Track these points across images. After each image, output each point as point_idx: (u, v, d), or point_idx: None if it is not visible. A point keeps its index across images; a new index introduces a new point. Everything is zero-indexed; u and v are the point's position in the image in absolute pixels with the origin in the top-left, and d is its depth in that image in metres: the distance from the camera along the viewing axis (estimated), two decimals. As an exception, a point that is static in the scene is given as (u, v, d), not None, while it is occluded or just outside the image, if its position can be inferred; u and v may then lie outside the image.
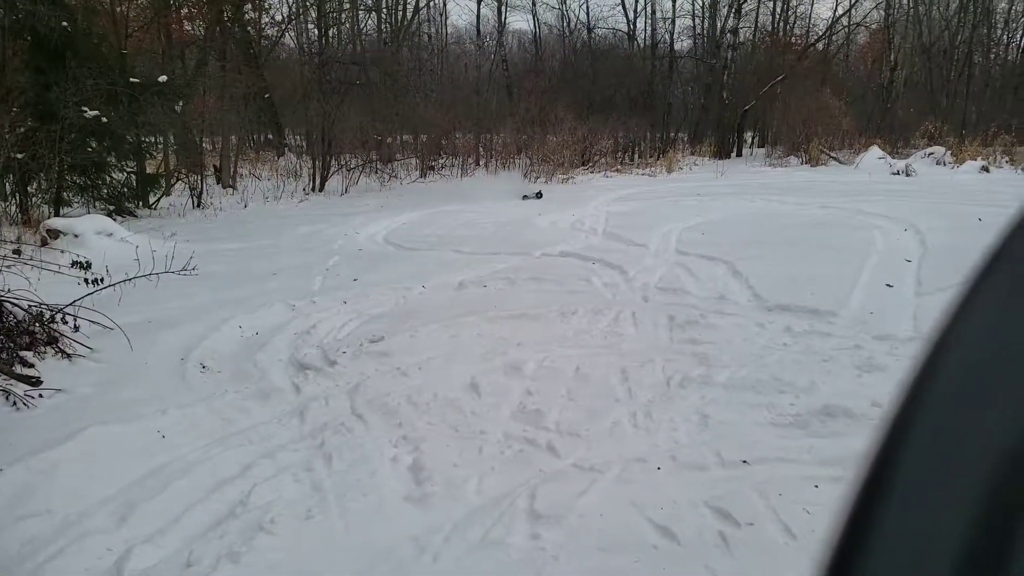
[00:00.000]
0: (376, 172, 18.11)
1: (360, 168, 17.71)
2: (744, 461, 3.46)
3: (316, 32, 22.69)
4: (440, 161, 20.14)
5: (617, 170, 20.20)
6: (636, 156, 22.99)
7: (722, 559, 2.72)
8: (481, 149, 20.66)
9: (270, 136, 24.37)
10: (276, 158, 21.16)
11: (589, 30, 30.76)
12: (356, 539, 2.98)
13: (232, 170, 16.80)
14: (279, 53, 24.15)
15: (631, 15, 30.26)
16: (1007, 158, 19.61)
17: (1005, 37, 31.32)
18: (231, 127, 16.47)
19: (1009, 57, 31.37)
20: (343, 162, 17.54)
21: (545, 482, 3.35)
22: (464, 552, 2.87)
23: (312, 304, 6.48)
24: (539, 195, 14.67)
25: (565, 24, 31.31)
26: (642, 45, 29.77)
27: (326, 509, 3.19)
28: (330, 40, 21.79)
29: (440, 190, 16.32)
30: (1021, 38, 30.83)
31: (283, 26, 22.96)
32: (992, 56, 31.07)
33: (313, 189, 16.57)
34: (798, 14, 31.38)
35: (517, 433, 3.88)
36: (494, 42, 30.65)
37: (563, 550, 2.82)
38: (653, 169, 20.35)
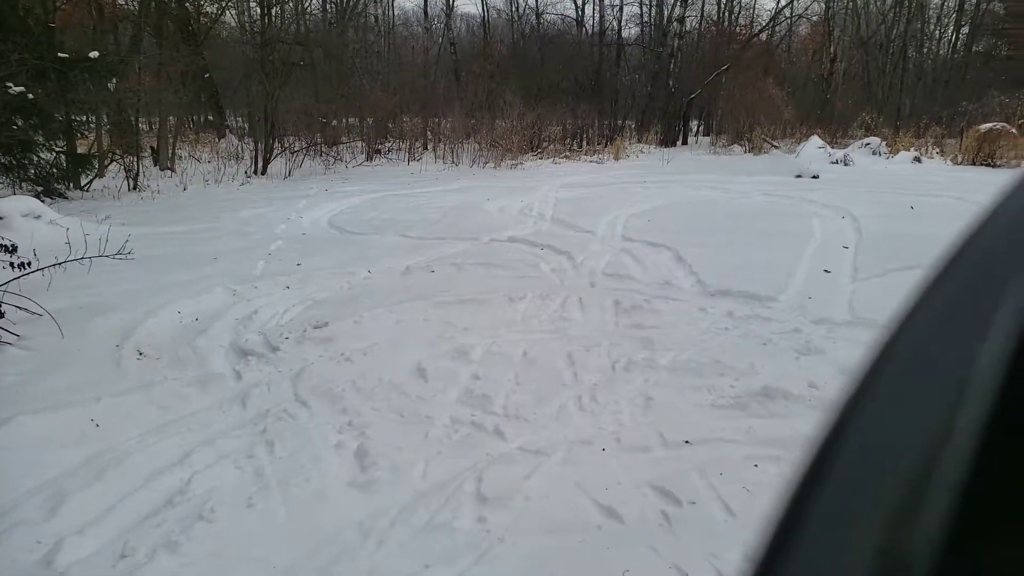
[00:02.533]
0: (321, 155, 17.78)
1: (304, 151, 17.36)
2: (686, 442, 3.53)
3: (259, 11, 22.09)
4: (387, 145, 19.90)
5: (566, 156, 20.28)
6: (584, 143, 23.11)
7: (665, 538, 2.77)
8: (429, 133, 20.48)
9: (211, 117, 23.67)
10: (217, 140, 20.59)
11: (538, 15, 30.73)
12: (299, 526, 2.93)
13: (170, 151, 16.26)
14: (220, 31, 23.42)
15: (579, 1, 30.36)
16: (938, 149, 20.35)
17: (937, 32, 32.47)
18: (169, 107, 15.93)
19: (940, 52, 32.54)
20: (286, 145, 17.17)
21: (492, 465, 3.36)
22: (409, 537, 2.85)
23: (254, 289, 6.34)
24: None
25: (514, 9, 31.22)
26: (590, 32, 29.89)
27: (268, 496, 3.14)
28: (273, 19, 21.22)
29: (386, 174, 16.14)
30: (952, 33, 32.00)
31: (223, 3, 22.27)
32: (925, 50, 32.19)
33: (255, 172, 16.18)
34: (743, 4, 31.97)
35: (464, 417, 3.87)
36: (442, 25, 30.34)
37: (509, 532, 2.83)
38: (601, 156, 20.48)
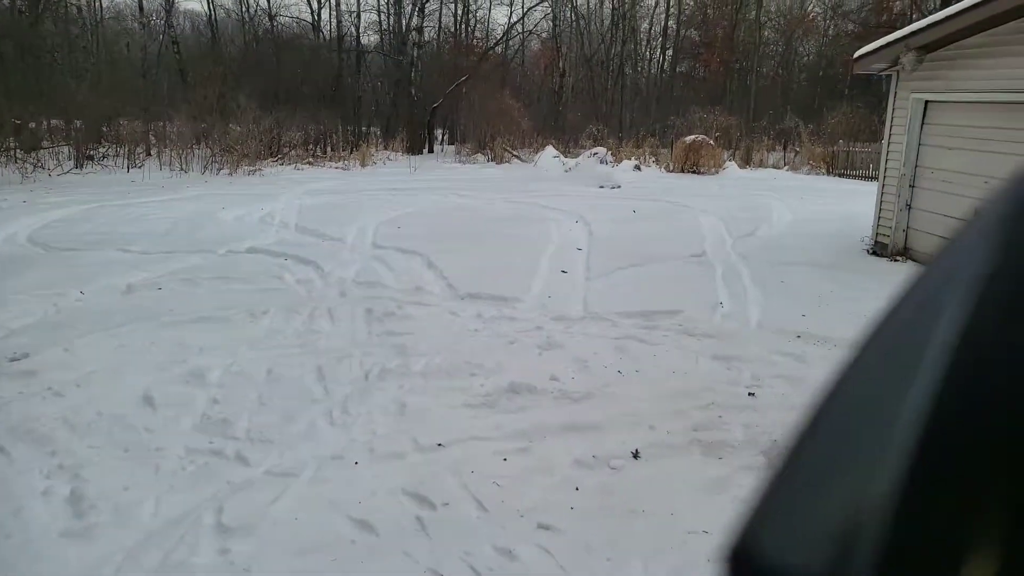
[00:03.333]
0: (16, 161, 15.37)
1: (-7, 157, 14.88)
2: (439, 444, 3.56)
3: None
4: (101, 150, 17.77)
5: (309, 163, 19.65)
6: (329, 149, 22.58)
7: (419, 542, 2.76)
8: (152, 138, 18.66)
9: None
10: None
11: (271, 17, 29.41)
12: (-6, 595, 2.48)
13: None
14: None
15: (315, 5, 29.58)
16: (654, 158, 22.88)
17: (648, 53, 36.55)
18: None
19: (652, 71, 36.67)
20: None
21: (234, 494, 3.11)
22: (139, 585, 2.54)
23: (-72, 320, 5.28)
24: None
25: (244, 9, 29.55)
26: (328, 37, 29.27)
27: (-50, 567, 2.61)
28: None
29: (102, 182, 14.38)
30: (660, 55, 36.21)
31: None
32: (639, 69, 36.05)
33: (-73, 182, 13.55)
34: (478, 18, 33.36)
35: (201, 446, 3.55)
36: (162, 21, 27.80)
37: (255, 561, 2.63)
38: (347, 163, 20.14)
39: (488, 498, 3.05)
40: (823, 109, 26.26)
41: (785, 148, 25.53)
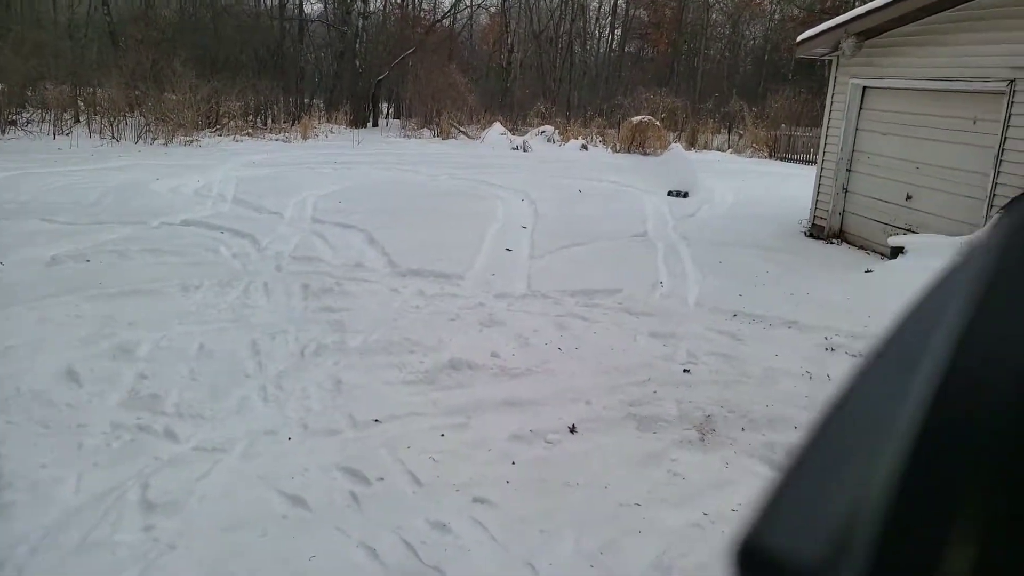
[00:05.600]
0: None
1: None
2: (376, 420, 3.53)
3: None
4: (25, 115, 16.91)
5: (248, 134, 19.08)
6: (270, 120, 21.96)
7: (353, 517, 2.73)
8: (81, 104, 17.84)
9: None
10: None
11: (210, -19, 28.29)
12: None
13: None
14: None
15: (256, -30, 28.56)
16: (600, 138, 22.96)
17: (597, 32, 36.55)
18: None
19: (601, 50, 36.70)
20: None
21: (161, 469, 3.03)
22: (58, 560, 2.46)
23: None
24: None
25: (180, -29, 28.32)
26: (269, 4, 28.35)
27: None
28: None
29: (25, 149, 13.69)
30: (609, 34, 36.26)
31: None
32: (588, 47, 36.03)
33: None
34: (425, -10, 32.74)
35: (128, 422, 3.44)
36: (93, -19, 26.47)
37: (181, 537, 2.57)
38: (288, 135, 19.63)
39: (424, 473, 3.04)
40: (767, 93, 26.71)
41: (730, 131, 25.93)
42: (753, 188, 12.97)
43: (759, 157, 21.29)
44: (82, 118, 17.52)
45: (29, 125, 16.49)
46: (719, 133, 25.81)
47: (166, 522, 2.66)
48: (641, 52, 37.02)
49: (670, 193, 11.44)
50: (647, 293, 6.04)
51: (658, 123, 21.07)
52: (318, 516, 2.74)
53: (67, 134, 15.90)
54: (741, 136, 24.24)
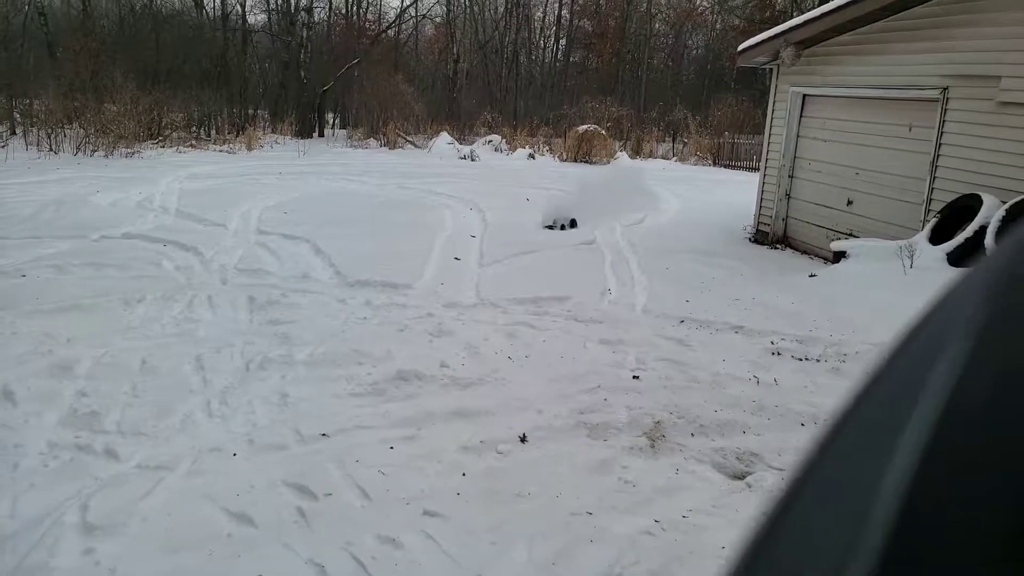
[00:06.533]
0: None
1: None
2: (323, 434, 3.49)
3: None
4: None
5: (192, 145, 18.67)
6: (213, 132, 21.54)
7: (300, 533, 2.70)
8: (17, 116, 17.24)
9: None
10: None
11: (150, -10, 27.64)
12: None
13: None
14: None
15: (198, -20, 28.02)
16: (548, 147, 23.15)
17: (542, 42, 36.83)
18: None
19: (546, 60, 37.00)
20: None
21: (101, 490, 2.95)
22: (-9, 593, 2.37)
23: None
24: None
25: (119, -21, 27.61)
26: (212, 15, 27.85)
27: None
28: None
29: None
30: (555, 44, 36.59)
31: None
32: (534, 57, 36.29)
33: None
34: (370, 0, 32.60)
35: (66, 441, 3.34)
36: (26, -11, 25.62)
37: (121, 561, 2.51)
38: (232, 146, 19.28)
39: (373, 487, 3.03)
40: (711, 101, 27.28)
41: (674, 139, 26.40)
42: (698, 195, 13.24)
43: (704, 165, 21.74)
44: (18, 130, 16.93)
45: (-42, 137, 15.84)
46: (664, 141, 26.26)
47: (106, 545, 2.59)
48: (586, 62, 37.45)
49: (550, 227, 9.08)
50: (596, 300, 6.12)
51: (604, 132, 21.36)
52: (264, 533, 2.71)
53: (2, 147, 15.33)
54: (686, 144, 24.71)
